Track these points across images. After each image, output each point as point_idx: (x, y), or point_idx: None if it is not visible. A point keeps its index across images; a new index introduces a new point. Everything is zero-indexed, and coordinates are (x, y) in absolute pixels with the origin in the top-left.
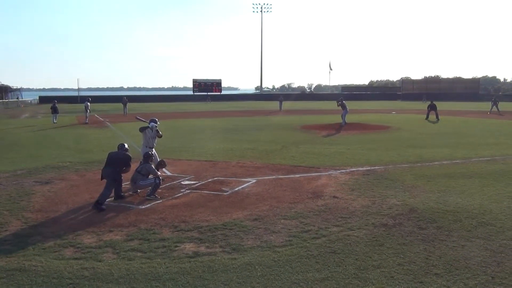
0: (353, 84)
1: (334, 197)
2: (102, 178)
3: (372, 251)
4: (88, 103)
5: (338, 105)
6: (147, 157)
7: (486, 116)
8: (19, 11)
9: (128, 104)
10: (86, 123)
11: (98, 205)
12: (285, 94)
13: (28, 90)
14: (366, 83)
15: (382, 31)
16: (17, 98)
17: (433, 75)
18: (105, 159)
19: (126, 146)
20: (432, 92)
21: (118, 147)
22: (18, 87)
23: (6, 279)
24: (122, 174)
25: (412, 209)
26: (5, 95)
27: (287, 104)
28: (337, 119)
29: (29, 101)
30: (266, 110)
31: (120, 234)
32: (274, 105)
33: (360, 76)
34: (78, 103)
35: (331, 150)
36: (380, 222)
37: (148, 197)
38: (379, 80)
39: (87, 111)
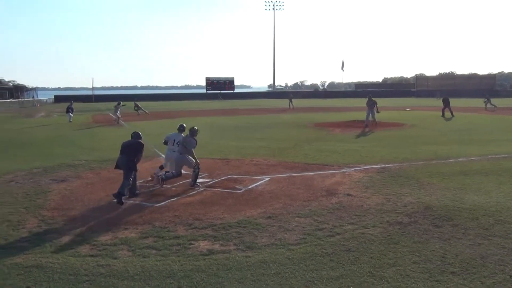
0: (366, 81)
1: (348, 195)
2: (116, 167)
3: (387, 249)
4: (119, 106)
5: (367, 102)
6: (194, 132)
7: (501, 112)
8: (34, 11)
9: (141, 103)
10: (118, 124)
11: (119, 195)
12: (295, 92)
13: (44, 89)
14: (380, 80)
15: (396, 28)
16: (33, 97)
17: (448, 72)
18: (121, 149)
19: (140, 134)
20: (447, 89)
21: (132, 136)
22: (34, 87)
23: (24, 275)
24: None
25: (428, 206)
26: (21, 95)
27: (299, 102)
28: (351, 116)
29: (45, 100)
30: (278, 108)
31: (135, 231)
32: (286, 102)
33: (373, 73)
34: (92, 102)
35: (345, 148)
36: (395, 220)
37: (191, 186)
38: (392, 77)
39: (117, 112)
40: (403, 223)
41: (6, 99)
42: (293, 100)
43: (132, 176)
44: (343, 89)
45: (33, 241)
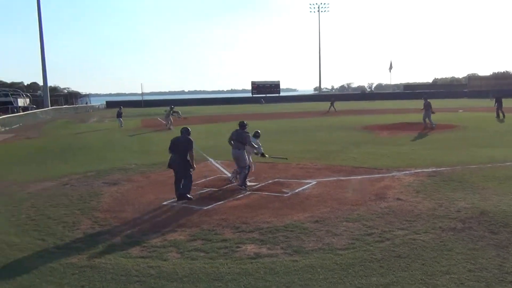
0: (415, 82)
1: (398, 199)
2: (169, 166)
3: (440, 256)
4: (171, 111)
5: (424, 105)
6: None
7: None
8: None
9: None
10: (170, 129)
11: (185, 196)
12: (337, 94)
13: (96, 95)
14: (430, 81)
15: (446, 26)
16: (86, 103)
17: (502, 71)
18: (170, 145)
19: (189, 129)
20: (501, 89)
21: (181, 131)
22: (87, 93)
23: (78, 275)
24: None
25: (483, 212)
26: (75, 101)
27: (344, 105)
28: (400, 118)
29: (97, 106)
30: (324, 111)
31: (184, 234)
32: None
33: (423, 73)
34: (142, 107)
35: (394, 151)
36: (448, 226)
37: (239, 186)
38: (443, 77)
39: (168, 117)
40: (456, 229)
41: (62, 105)
42: (335, 103)
43: (190, 175)
44: (391, 91)
45: (87, 242)
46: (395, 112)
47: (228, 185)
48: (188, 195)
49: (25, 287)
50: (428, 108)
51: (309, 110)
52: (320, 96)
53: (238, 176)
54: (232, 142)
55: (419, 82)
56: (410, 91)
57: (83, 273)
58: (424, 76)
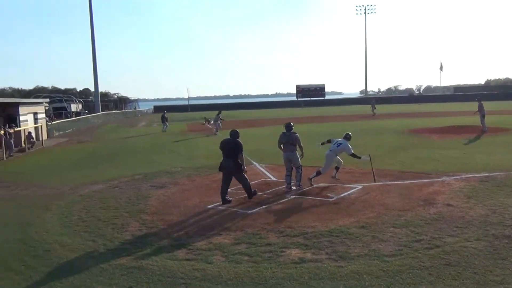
0: (467, 84)
1: (448, 205)
2: (220, 169)
3: (493, 265)
4: (219, 115)
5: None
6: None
7: None
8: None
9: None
10: (215, 134)
11: (251, 194)
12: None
13: (144, 100)
14: (482, 82)
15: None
16: (135, 108)
17: None
18: (220, 147)
19: (238, 132)
20: None
21: (230, 134)
22: (136, 98)
23: (127, 276)
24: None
25: None
26: (125, 106)
27: (391, 108)
28: (450, 121)
29: (145, 111)
30: (370, 114)
31: (228, 237)
32: (380, 108)
33: (474, 75)
34: (188, 112)
35: (444, 155)
36: (502, 234)
37: (298, 187)
38: (497, 78)
39: (215, 122)
40: (511, 237)
41: (112, 110)
42: (376, 106)
43: (245, 177)
44: (440, 93)
45: (135, 243)
46: (445, 115)
47: (273, 189)
48: (251, 193)
49: (76, 286)
50: (481, 111)
51: (354, 113)
52: (366, 99)
53: (289, 182)
54: (281, 146)
55: (470, 84)
56: (461, 93)
57: (131, 274)
58: (476, 77)
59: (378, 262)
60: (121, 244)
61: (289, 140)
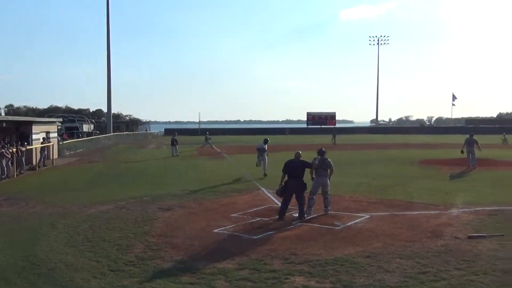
0: (478, 117)
1: (456, 237)
2: (286, 191)
3: None
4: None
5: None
6: (322, 152)
7: None
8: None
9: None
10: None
11: (304, 213)
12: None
13: (156, 122)
14: (494, 115)
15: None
16: (146, 130)
17: None
18: (284, 168)
19: (300, 153)
20: None
21: (295, 156)
22: (147, 120)
23: None
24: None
25: None
26: (136, 127)
27: (401, 138)
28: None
29: (156, 133)
30: (380, 143)
31: (232, 262)
32: (390, 138)
33: (486, 107)
34: (198, 135)
35: (453, 187)
36: (511, 268)
37: (326, 213)
38: (509, 112)
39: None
40: None
41: (123, 132)
42: (336, 136)
43: (303, 197)
44: (451, 125)
45: (139, 265)
46: (455, 147)
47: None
48: (305, 213)
49: None
50: (471, 145)
51: (366, 142)
52: (376, 128)
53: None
54: (314, 171)
55: (482, 117)
56: (473, 126)
57: None
58: (487, 110)
59: None
60: (125, 266)
61: (323, 165)
